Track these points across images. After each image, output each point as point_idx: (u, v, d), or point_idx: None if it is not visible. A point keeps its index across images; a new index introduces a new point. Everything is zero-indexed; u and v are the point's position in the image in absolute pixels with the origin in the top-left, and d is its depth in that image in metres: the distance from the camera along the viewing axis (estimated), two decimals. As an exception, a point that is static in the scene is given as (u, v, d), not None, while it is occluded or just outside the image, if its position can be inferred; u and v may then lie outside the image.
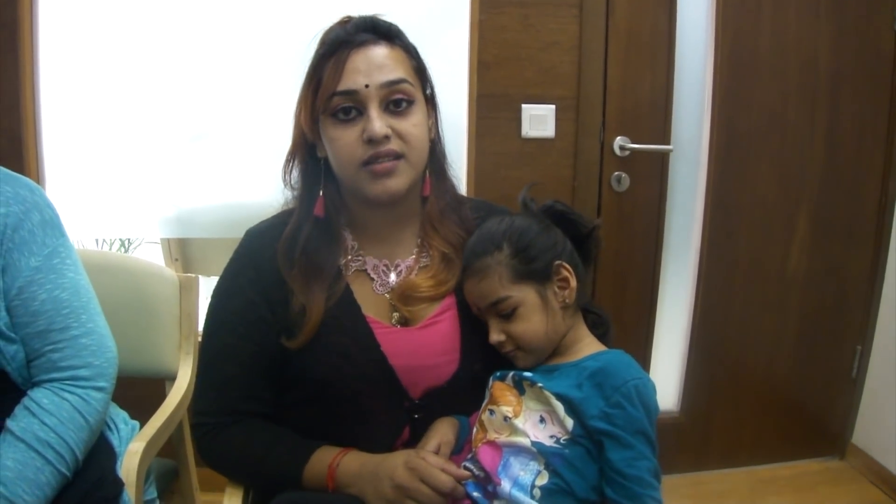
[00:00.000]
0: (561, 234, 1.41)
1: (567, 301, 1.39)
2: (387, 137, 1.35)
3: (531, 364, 1.39)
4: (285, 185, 1.51)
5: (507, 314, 1.36)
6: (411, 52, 1.45)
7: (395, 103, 1.38)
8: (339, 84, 1.35)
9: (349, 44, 1.37)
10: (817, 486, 3.02)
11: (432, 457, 1.31)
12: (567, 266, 1.38)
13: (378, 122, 1.34)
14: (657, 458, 1.27)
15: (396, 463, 1.30)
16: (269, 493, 1.37)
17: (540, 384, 1.32)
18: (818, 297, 3.03)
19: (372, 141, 1.35)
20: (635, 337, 2.90)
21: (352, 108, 1.36)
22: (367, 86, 1.35)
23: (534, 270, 1.36)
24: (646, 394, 1.28)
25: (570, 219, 1.44)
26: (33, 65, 2.48)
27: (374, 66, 1.36)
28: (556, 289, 1.38)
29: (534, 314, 1.36)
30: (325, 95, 1.36)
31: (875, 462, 3.01)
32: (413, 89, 1.40)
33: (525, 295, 1.36)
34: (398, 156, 1.37)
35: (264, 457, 1.42)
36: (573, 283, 1.39)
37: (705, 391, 3.04)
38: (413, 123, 1.39)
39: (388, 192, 1.39)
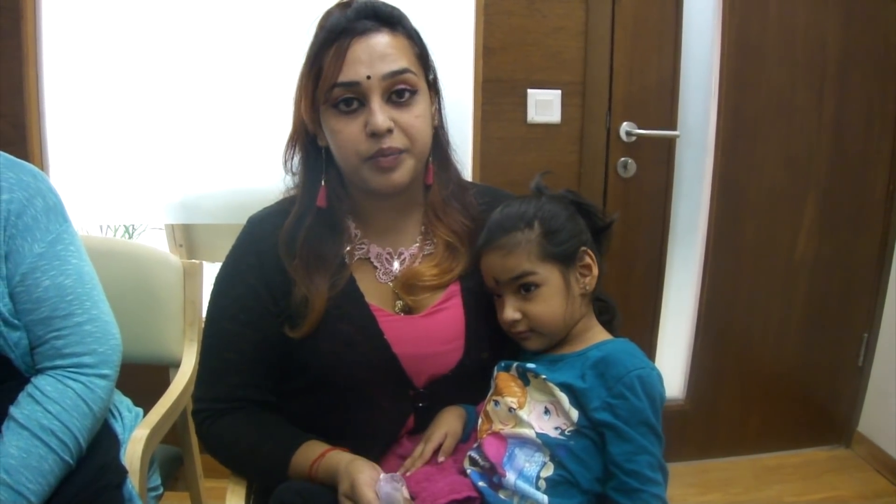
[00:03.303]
0: (583, 223, 1.41)
1: (587, 288, 1.38)
2: (389, 131, 1.33)
3: (541, 347, 1.38)
4: (286, 172, 1.49)
5: (528, 287, 1.35)
6: (414, 39, 1.42)
7: (397, 94, 1.35)
8: (341, 75, 1.32)
9: (350, 32, 1.33)
10: (823, 474, 3.01)
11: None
12: (591, 253, 1.39)
13: (381, 116, 1.32)
14: (664, 449, 1.26)
15: (342, 485, 1.27)
16: (269, 482, 1.37)
17: (543, 375, 1.31)
18: (825, 285, 3.02)
19: (375, 134, 1.32)
20: (641, 324, 2.89)
21: (353, 99, 1.33)
22: (368, 77, 1.32)
23: (561, 253, 1.35)
24: (650, 384, 1.26)
25: (584, 210, 1.43)
26: (36, 49, 2.46)
27: (375, 55, 1.33)
28: (579, 275, 1.38)
29: (555, 296, 1.35)
30: (326, 86, 1.33)
31: (881, 451, 3.01)
32: (416, 78, 1.37)
33: (550, 275, 1.35)
34: (401, 150, 1.35)
35: (253, 450, 1.42)
36: (595, 271, 1.39)
37: (711, 379, 3.04)
38: (416, 115, 1.36)
39: (392, 186, 1.37)
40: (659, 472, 1.24)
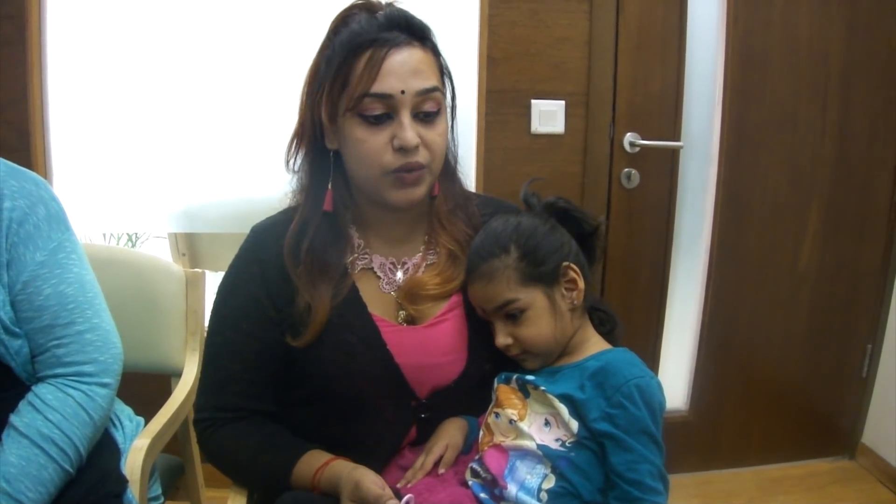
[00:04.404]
0: (567, 234, 1.40)
1: (575, 302, 1.37)
2: (416, 147, 1.33)
3: (538, 367, 1.37)
4: (288, 170, 1.47)
5: (515, 315, 1.35)
6: (439, 55, 1.42)
7: (425, 111, 1.34)
8: (374, 85, 1.30)
9: (385, 42, 1.31)
10: (827, 486, 3.00)
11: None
12: (575, 267, 1.37)
13: (411, 132, 1.31)
14: (664, 458, 1.25)
15: (345, 490, 1.26)
16: (271, 491, 1.36)
17: (542, 387, 1.31)
18: (829, 295, 3.01)
19: (402, 149, 1.32)
20: (644, 334, 2.88)
21: (382, 110, 1.32)
22: (402, 91, 1.31)
23: (542, 273, 1.34)
24: (649, 393, 1.26)
25: (573, 216, 1.42)
26: (41, 57, 2.46)
27: (410, 70, 1.32)
28: (564, 291, 1.37)
29: (542, 317, 1.34)
30: (356, 94, 1.31)
31: (885, 462, 2.99)
32: (442, 97, 1.38)
33: (533, 298, 1.34)
34: (423, 166, 1.35)
35: (254, 459, 1.41)
36: (581, 284, 1.37)
37: (714, 389, 3.03)
38: (439, 133, 1.37)
39: (411, 201, 1.37)
40: (660, 481, 1.23)
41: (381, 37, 1.32)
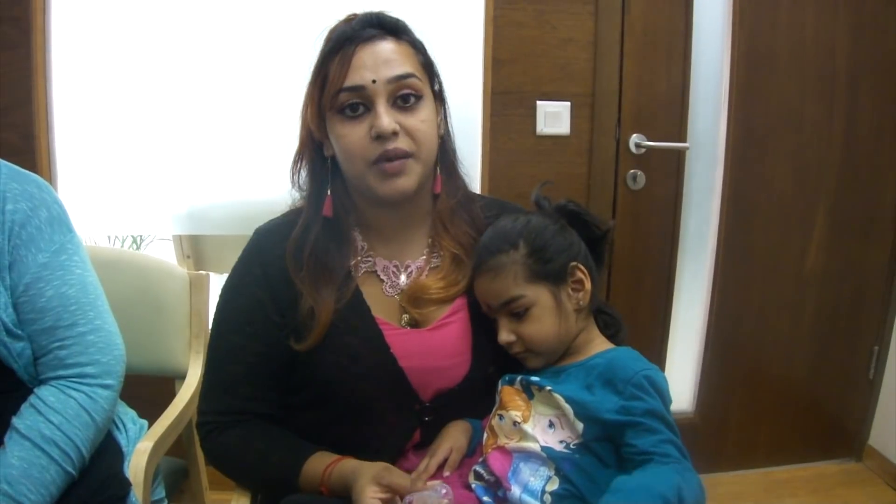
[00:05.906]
0: (576, 236, 1.40)
1: (581, 303, 1.37)
2: (395, 134, 1.33)
3: (541, 366, 1.37)
4: (293, 187, 1.50)
5: (519, 313, 1.34)
6: (418, 48, 1.44)
7: (402, 98, 1.36)
8: (346, 80, 1.33)
9: (355, 39, 1.35)
10: (833, 488, 2.99)
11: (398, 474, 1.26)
12: (583, 268, 1.37)
13: (386, 118, 1.32)
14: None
15: (365, 482, 1.25)
16: (276, 495, 1.35)
17: (549, 387, 1.30)
18: (835, 297, 3.00)
19: (380, 137, 1.33)
20: (650, 336, 2.87)
21: (359, 104, 1.35)
22: (374, 81, 1.33)
23: (549, 271, 1.34)
24: (657, 382, 1.25)
25: (583, 219, 1.42)
26: (45, 60, 2.47)
27: (380, 60, 1.34)
28: (571, 291, 1.37)
29: (546, 315, 1.34)
30: (332, 92, 1.35)
31: (892, 464, 2.98)
32: (421, 84, 1.38)
33: (539, 295, 1.34)
34: (407, 154, 1.35)
35: (262, 459, 1.41)
36: (588, 285, 1.37)
37: (721, 391, 3.01)
38: (421, 119, 1.37)
39: (399, 192, 1.37)
40: (682, 456, 1.21)
41: (352, 35, 1.36)
